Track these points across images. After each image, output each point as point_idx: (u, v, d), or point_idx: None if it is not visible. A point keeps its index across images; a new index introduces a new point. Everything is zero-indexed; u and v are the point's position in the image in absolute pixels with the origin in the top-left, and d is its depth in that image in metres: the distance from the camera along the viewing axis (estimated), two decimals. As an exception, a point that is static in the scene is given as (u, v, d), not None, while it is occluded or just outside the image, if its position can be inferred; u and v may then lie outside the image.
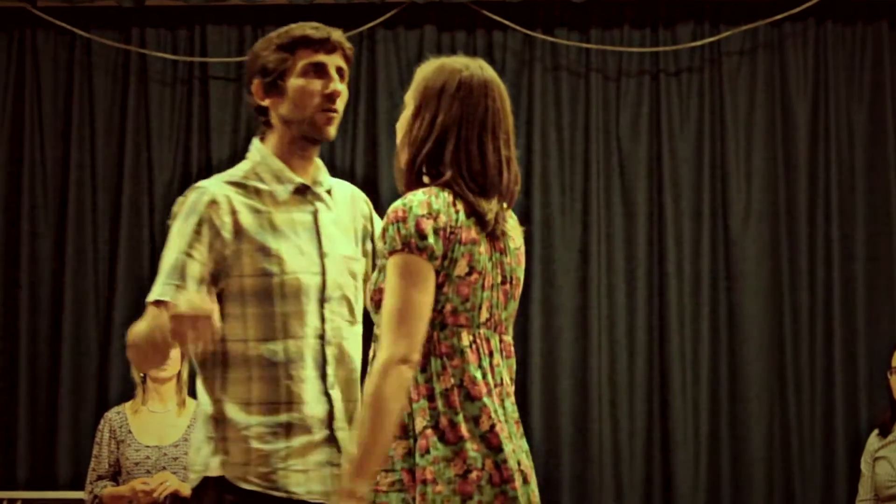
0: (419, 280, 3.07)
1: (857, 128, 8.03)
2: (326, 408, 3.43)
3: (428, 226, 3.08)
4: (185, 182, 7.96)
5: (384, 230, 3.13)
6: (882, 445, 6.56)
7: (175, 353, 6.12)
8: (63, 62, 8.13)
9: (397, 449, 3.09)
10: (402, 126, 3.28)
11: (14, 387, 7.84)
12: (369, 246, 3.67)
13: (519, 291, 3.29)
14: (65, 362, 7.82)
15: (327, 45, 3.57)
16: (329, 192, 3.61)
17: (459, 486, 3.04)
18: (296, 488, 3.39)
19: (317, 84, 3.53)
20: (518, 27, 8.04)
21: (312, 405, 3.41)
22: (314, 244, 3.50)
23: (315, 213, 3.54)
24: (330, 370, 3.44)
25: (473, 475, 3.05)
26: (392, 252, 3.10)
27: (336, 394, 3.43)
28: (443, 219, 3.11)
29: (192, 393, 6.24)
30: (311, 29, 3.59)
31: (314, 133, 3.54)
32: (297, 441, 3.39)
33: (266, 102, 3.55)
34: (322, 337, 3.45)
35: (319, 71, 3.54)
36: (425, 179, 3.22)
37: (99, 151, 8.04)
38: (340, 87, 3.54)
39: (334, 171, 8.13)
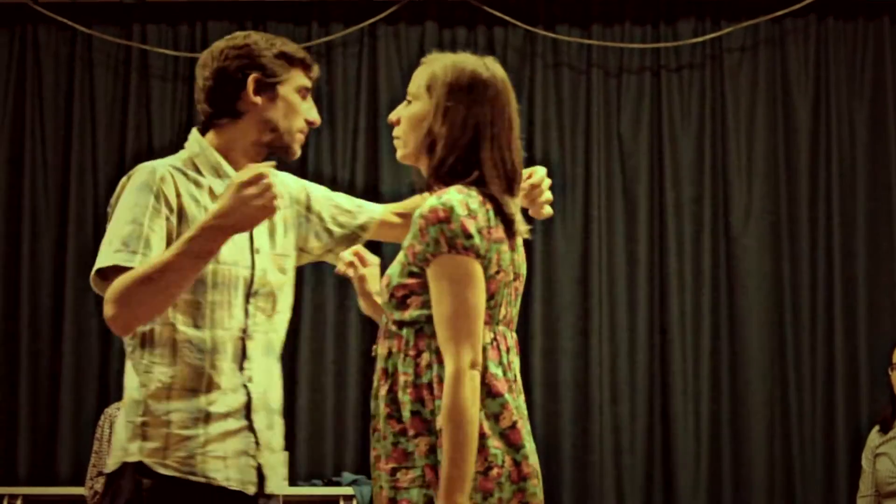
0: (470, 281, 3.05)
1: (859, 124, 8.04)
2: (244, 399, 3.44)
3: (472, 225, 3.06)
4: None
5: (421, 231, 3.09)
6: (883, 441, 6.56)
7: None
8: (64, 58, 8.13)
9: (419, 445, 3.07)
10: (418, 122, 3.24)
11: (15, 383, 7.84)
12: (305, 228, 3.71)
13: (522, 288, 3.28)
14: (66, 358, 7.83)
15: (313, 76, 3.63)
16: None
17: (480, 482, 3.03)
18: (214, 474, 3.39)
19: (304, 106, 3.59)
20: (519, 23, 8.04)
21: (230, 395, 3.43)
22: (246, 239, 3.50)
23: None
24: (248, 364, 3.46)
25: (494, 472, 3.04)
26: (436, 254, 3.07)
27: (254, 386, 3.46)
28: (481, 218, 3.09)
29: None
30: (305, 53, 3.63)
31: (287, 145, 3.58)
32: (215, 428, 3.40)
33: (257, 100, 3.54)
34: (244, 331, 3.47)
35: (306, 96, 3.61)
36: (448, 178, 3.18)
37: (100, 147, 8.04)
38: (319, 119, 3.64)
39: (335, 165, 8.18)
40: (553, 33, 8.10)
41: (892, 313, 7.88)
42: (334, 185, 3.97)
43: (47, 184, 8.02)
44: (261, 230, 3.53)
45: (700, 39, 8.08)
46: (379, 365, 3.18)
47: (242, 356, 3.45)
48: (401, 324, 3.14)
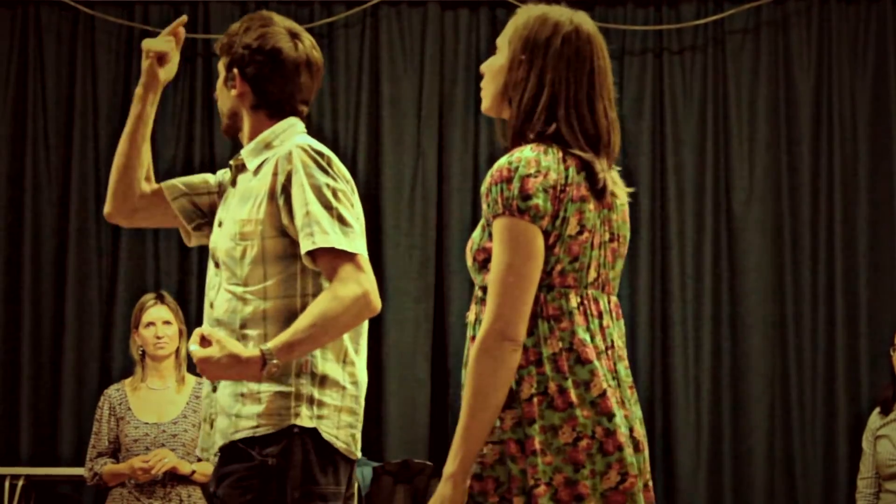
0: (520, 245, 2.91)
1: (861, 105, 8.02)
2: None
3: (534, 184, 2.93)
4: (187, 158, 7.97)
5: (487, 191, 2.98)
6: (883, 424, 6.58)
7: (173, 330, 6.13)
8: (66, 39, 8.12)
9: (504, 419, 2.95)
10: (496, 73, 3.13)
11: (17, 363, 7.84)
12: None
13: (625, 249, 3.13)
14: (67, 339, 7.83)
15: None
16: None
17: (570, 454, 2.93)
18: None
19: None
20: (521, 5, 8.02)
21: None
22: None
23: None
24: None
25: (584, 443, 2.93)
26: (495, 216, 2.95)
27: None
28: (553, 176, 2.96)
29: (191, 370, 6.26)
30: None
31: None
32: (210, 397, 3.61)
33: None
34: (211, 304, 3.65)
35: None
36: (529, 135, 3.06)
37: (102, 127, 8.04)
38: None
39: (337, 148, 8.17)
40: (555, 15, 8.08)
41: (894, 293, 7.88)
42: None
43: (49, 164, 8.01)
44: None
45: (702, 21, 8.06)
46: (468, 333, 3.07)
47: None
48: (484, 289, 3.02)
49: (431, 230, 7.96)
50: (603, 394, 2.96)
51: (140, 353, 6.20)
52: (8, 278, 7.93)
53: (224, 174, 3.79)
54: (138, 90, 3.78)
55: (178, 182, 3.84)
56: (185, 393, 6.16)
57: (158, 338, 6.11)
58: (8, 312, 7.90)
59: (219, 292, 3.57)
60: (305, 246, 3.41)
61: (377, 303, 3.42)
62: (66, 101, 8.06)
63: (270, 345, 3.33)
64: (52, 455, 7.73)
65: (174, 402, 6.14)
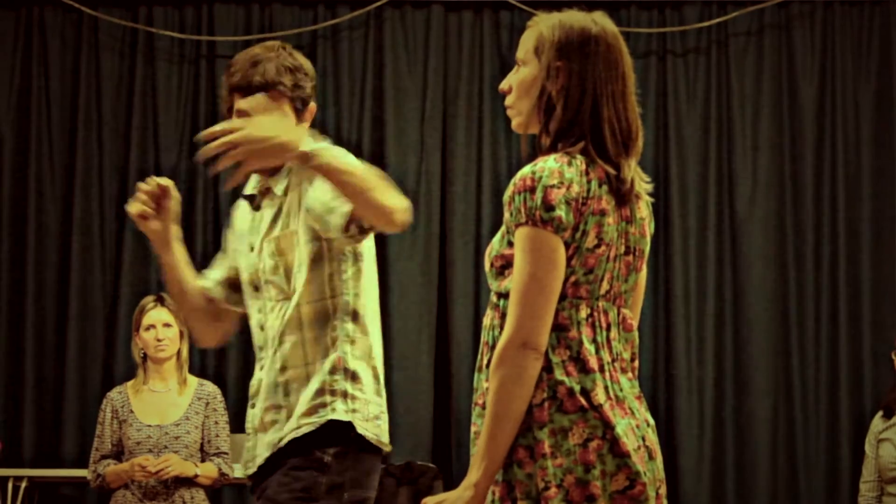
0: (543, 255, 2.92)
1: (864, 107, 8.03)
2: (256, 386, 3.68)
3: (557, 196, 2.94)
4: (191, 160, 7.97)
5: (510, 199, 2.98)
6: (886, 427, 6.58)
7: (173, 332, 6.13)
8: (70, 40, 8.13)
9: None
10: (529, 87, 3.11)
11: (20, 365, 7.86)
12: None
13: (642, 263, 3.17)
14: (71, 341, 7.84)
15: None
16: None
17: (580, 455, 2.92)
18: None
19: None
20: (525, 7, 8.03)
21: (252, 383, 3.70)
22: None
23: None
24: (259, 353, 3.69)
25: (594, 444, 2.93)
26: (518, 225, 2.96)
27: (261, 374, 3.67)
28: (575, 188, 2.96)
29: (193, 371, 6.26)
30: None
31: None
32: (249, 413, 3.71)
33: None
34: (261, 327, 3.70)
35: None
36: (558, 145, 3.06)
37: (106, 129, 8.04)
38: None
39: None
40: (559, 17, 8.08)
41: (897, 295, 7.91)
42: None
43: (53, 164, 8.02)
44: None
45: (706, 24, 8.07)
46: (483, 337, 3.08)
47: (259, 347, 3.71)
48: (499, 294, 3.04)
49: (435, 231, 7.96)
50: (600, 405, 2.97)
51: (141, 355, 6.19)
52: (11, 281, 7.93)
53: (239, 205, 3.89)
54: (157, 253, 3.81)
55: (221, 283, 3.88)
56: (188, 395, 6.15)
57: (159, 340, 6.10)
58: (12, 314, 7.92)
59: (269, 313, 3.66)
60: (342, 213, 3.43)
61: (404, 219, 3.37)
62: (69, 103, 8.07)
63: (319, 148, 3.40)
64: (55, 457, 7.74)
65: (176, 403, 6.13)
